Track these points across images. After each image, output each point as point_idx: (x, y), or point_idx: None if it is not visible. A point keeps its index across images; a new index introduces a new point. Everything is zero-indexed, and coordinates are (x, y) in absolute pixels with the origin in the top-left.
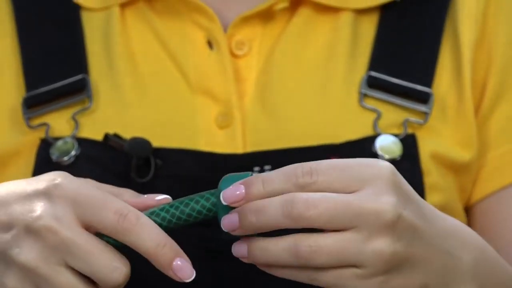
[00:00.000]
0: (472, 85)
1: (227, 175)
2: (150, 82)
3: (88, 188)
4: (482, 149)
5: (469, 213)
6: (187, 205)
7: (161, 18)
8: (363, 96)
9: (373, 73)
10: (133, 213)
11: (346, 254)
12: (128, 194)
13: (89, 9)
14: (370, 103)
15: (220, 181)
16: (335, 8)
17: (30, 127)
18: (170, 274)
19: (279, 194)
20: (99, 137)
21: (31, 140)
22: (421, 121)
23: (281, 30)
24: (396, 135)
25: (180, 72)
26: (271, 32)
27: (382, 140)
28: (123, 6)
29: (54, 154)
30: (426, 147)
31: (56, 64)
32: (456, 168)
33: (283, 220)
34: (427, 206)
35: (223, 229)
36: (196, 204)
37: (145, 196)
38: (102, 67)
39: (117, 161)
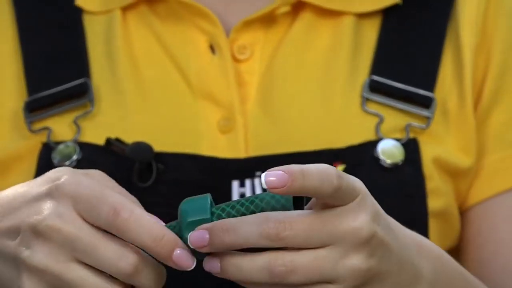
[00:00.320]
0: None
1: (186, 198)
2: (152, 87)
3: (87, 185)
4: (478, 154)
5: (463, 217)
6: (254, 203)
7: (163, 22)
8: (365, 100)
9: (376, 77)
10: (126, 207)
11: (321, 272)
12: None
13: (91, 13)
14: (372, 108)
15: (181, 203)
16: (337, 12)
17: (31, 131)
18: (171, 264)
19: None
20: (101, 141)
21: (33, 144)
22: (423, 125)
23: (283, 35)
24: (398, 140)
25: (182, 77)
26: (273, 36)
27: (384, 144)
28: (124, 9)
29: (56, 158)
30: (428, 152)
31: (58, 68)
32: (456, 174)
33: (258, 240)
34: (391, 219)
35: (190, 245)
36: (267, 205)
37: None
38: (103, 71)
39: (119, 166)
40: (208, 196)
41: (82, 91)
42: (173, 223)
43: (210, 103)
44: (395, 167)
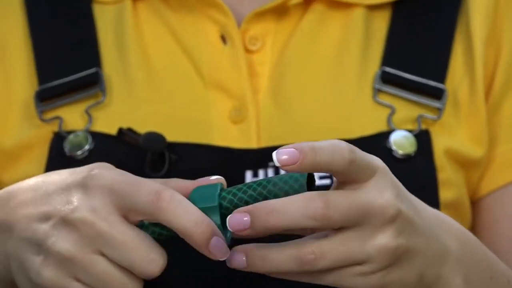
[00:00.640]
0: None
1: (197, 186)
2: (164, 77)
3: (124, 175)
4: (490, 144)
5: (476, 206)
6: (267, 188)
7: (174, 12)
8: (377, 91)
9: (387, 69)
10: (167, 191)
11: (350, 254)
12: (175, 180)
13: (101, 2)
14: (384, 99)
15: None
16: (348, 4)
17: (43, 120)
18: (205, 252)
19: None
20: (112, 131)
21: (44, 134)
22: (434, 117)
23: (294, 26)
24: (410, 131)
25: (193, 67)
26: (285, 27)
27: (397, 135)
28: None
29: (67, 148)
30: (440, 143)
31: (69, 58)
32: (467, 164)
33: (304, 220)
34: (412, 196)
35: (229, 228)
36: (280, 190)
37: (197, 180)
38: (115, 61)
39: (131, 156)
40: (218, 185)
41: (93, 80)
42: None
43: (221, 94)
44: (407, 158)
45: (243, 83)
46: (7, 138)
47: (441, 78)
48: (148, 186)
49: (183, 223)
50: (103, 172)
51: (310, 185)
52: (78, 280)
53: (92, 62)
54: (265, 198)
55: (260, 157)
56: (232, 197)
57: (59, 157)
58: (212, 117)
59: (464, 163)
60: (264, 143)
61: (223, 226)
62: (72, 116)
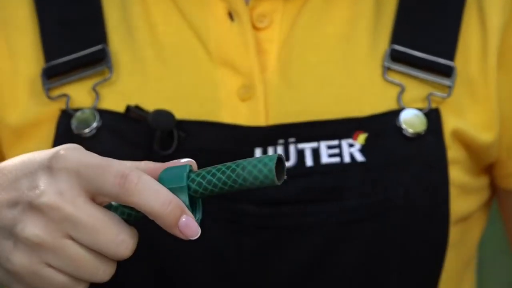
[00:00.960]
0: (499, 68)
1: (166, 168)
2: (171, 54)
3: (90, 157)
4: None
5: (506, 194)
6: (236, 172)
7: None
8: (386, 69)
9: (397, 47)
10: (134, 172)
11: None
12: (146, 163)
13: None
14: (393, 77)
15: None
16: None
17: (50, 98)
18: (176, 232)
19: None
20: (120, 108)
21: (51, 111)
22: (444, 95)
23: (302, 3)
24: (420, 109)
25: (201, 44)
26: (293, 5)
27: (407, 114)
28: None
29: (74, 125)
30: (448, 124)
31: (75, 34)
32: (474, 148)
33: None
34: None
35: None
36: (248, 174)
37: (167, 162)
38: (121, 37)
39: (139, 134)
40: (187, 166)
41: (100, 57)
42: None
43: (229, 71)
44: (417, 136)
45: (251, 60)
46: (14, 115)
47: (450, 55)
48: (115, 168)
49: (151, 204)
50: (70, 153)
51: (280, 169)
52: (50, 266)
53: (99, 39)
54: (234, 181)
55: (269, 135)
56: (201, 180)
57: (66, 135)
58: (220, 94)
59: (470, 146)
60: (272, 121)
61: (192, 207)
62: (79, 94)
